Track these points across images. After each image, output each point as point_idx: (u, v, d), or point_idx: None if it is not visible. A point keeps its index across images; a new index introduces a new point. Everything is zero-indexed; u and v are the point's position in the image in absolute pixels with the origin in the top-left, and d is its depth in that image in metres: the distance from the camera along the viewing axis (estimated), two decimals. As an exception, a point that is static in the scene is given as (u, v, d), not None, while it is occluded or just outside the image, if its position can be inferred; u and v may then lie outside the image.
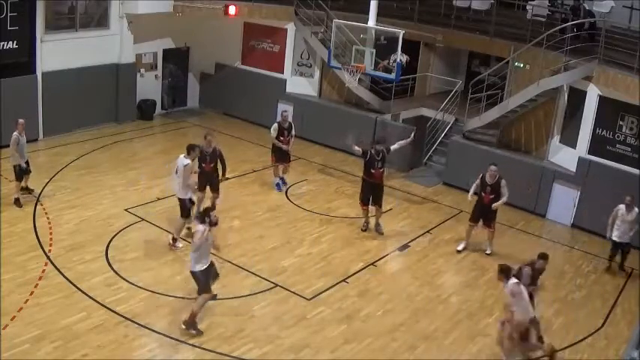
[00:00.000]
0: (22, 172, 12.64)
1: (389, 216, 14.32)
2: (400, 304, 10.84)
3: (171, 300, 10.19)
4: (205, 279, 9.28)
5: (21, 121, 12.51)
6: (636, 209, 12.32)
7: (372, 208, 13.31)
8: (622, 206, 12.31)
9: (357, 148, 13.05)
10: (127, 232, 12.24)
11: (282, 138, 14.61)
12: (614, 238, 12.54)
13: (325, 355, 9.30)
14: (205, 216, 9.09)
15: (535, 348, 9.43)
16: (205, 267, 9.23)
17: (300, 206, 14.36)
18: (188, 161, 11.33)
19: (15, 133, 12.38)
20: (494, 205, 12.56)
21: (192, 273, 9.29)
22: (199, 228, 8.98)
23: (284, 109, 15.82)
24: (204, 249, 9.12)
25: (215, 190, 12.82)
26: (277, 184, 15.06)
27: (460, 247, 13.01)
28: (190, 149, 11.41)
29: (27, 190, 13.12)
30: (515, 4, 18.64)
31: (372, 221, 13.40)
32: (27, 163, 12.78)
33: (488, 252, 12.98)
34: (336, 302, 10.68)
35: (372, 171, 12.97)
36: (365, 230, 13.34)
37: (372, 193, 13.12)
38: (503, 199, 12.57)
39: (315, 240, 12.85)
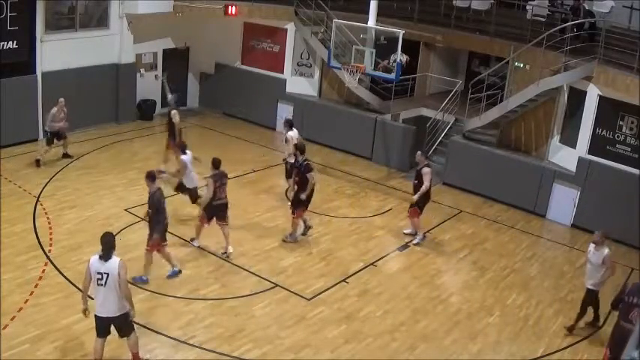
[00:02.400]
0: (53, 137, 14.92)
1: (389, 216, 14.34)
2: (400, 304, 10.84)
3: (171, 300, 10.20)
4: None
5: (61, 100, 14.85)
6: (606, 250, 10.09)
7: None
8: (592, 245, 10.23)
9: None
10: (127, 232, 12.24)
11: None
12: (588, 286, 10.31)
13: (325, 355, 9.30)
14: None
15: None
16: None
17: (300, 206, 14.34)
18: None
19: (54, 108, 14.76)
20: (414, 197, 12.77)
21: None
22: None
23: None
24: None
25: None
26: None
27: (406, 231, 13.31)
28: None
29: (67, 155, 15.53)
30: (515, 4, 18.63)
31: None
32: (59, 132, 14.97)
33: (406, 231, 13.24)
34: (336, 302, 10.68)
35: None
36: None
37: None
38: (422, 189, 12.56)
39: (315, 240, 12.84)
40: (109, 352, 8.76)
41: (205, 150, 17.16)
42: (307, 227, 12.88)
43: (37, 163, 14.82)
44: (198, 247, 11.95)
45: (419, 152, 12.96)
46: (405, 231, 13.41)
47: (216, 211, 11.57)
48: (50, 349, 8.68)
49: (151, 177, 10.33)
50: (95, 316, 8.05)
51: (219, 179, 11.51)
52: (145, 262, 10.50)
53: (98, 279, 7.77)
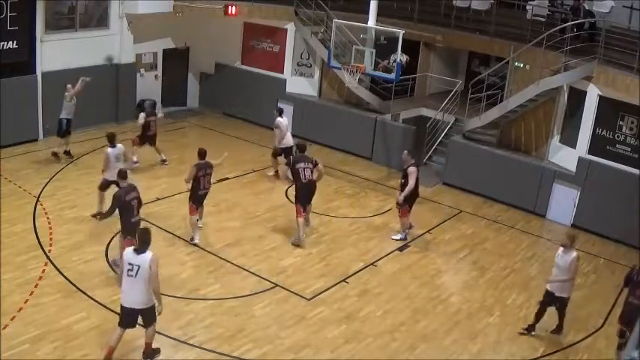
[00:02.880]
0: (66, 126, 15.01)
1: (389, 216, 14.32)
2: (400, 304, 10.84)
3: (171, 300, 10.19)
4: None
5: (68, 86, 15.02)
6: (574, 253, 9.69)
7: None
8: (560, 248, 9.90)
9: None
10: (127, 232, 12.22)
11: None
12: (547, 287, 10.02)
13: (325, 355, 9.30)
14: None
15: None
16: None
17: (300, 206, 14.34)
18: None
19: (66, 94, 14.92)
20: (399, 197, 12.69)
21: None
22: None
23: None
24: None
25: None
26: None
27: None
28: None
29: (68, 154, 15.46)
30: (515, 4, 18.63)
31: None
32: (68, 123, 15.03)
33: (394, 237, 13.09)
34: (336, 302, 10.68)
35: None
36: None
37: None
38: (407, 188, 12.50)
39: (315, 240, 12.84)
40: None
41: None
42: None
43: (56, 155, 15.16)
44: (196, 244, 11.96)
45: (405, 151, 12.99)
46: (393, 237, 13.18)
47: (201, 199, 12.04)
48: (50, 349, 8.67)
49: (120, 174, 10.57)
50: (120, 305, 8.29)
51: (203, 169, 11.80)
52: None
53: (129, 270, 8.04)
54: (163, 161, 15.80)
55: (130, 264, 8.02)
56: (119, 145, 12.41)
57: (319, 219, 13.78)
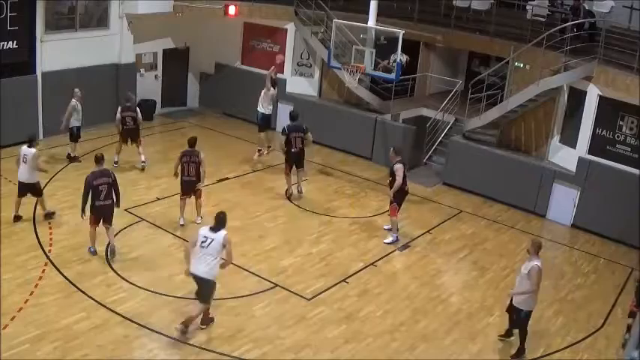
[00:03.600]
0: (77, 133, 15.23)
1: (389, 216, 14.32)
2: (400, 304, 10.84)
3: (171, 300, 10.20)
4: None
5: (76, 90, 15.03)
6: (535, 262, 9.17)
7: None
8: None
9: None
10: (127, 232, 12.24)
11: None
12: (510, 294, 9.71)
13: (325, 355, 9.30)
14: None
15: None
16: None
17: (300, 206, 14.35)
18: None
19: (73, 100, 14.87)
20: (389, 192, 12.95)
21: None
22: None
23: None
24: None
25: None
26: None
27: (386, 227, 13.47)
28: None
29: (75, 158, 15.44)
30: (515, 4, 18.63)
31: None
32: (79, 128, 15.20)
33: (385, 227, 13.44)
34: (336, 302, 10.68)
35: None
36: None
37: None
38: (394, 185, 12.67)
39: (315, 240, 12.85)
40: (108, 353, 8.77)
41: (205, 150, 17.19)
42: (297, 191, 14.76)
43: (73, 158, 15.35)
44: (182, 225, 12.60)
45: (391, 149, 13.06)
46: (385, 227, 13.49)
47: (187, 187, 12.61)
48: (50, 349, 8.67)
49: (95, 159, 11.27)
50: (190, 273, 9.23)
51: (187, 155, 12.43)
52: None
53: (202, 242, 9.08)
54: (142, 163, 15.37)
55: (204, 237, 9.10)
56: (33, 150, 12.15)
57: (319, 219, 13.79)
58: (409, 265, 12.33)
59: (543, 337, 10.29)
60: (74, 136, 15.26)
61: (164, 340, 9.21)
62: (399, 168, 12.63)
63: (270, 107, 16.35)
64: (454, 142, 16.42)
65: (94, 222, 11.03)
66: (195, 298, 9.51)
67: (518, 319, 9.53)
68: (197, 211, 12.80)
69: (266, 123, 16.44)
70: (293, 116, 14.73)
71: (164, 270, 11.06)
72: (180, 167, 12.45)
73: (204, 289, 9.26)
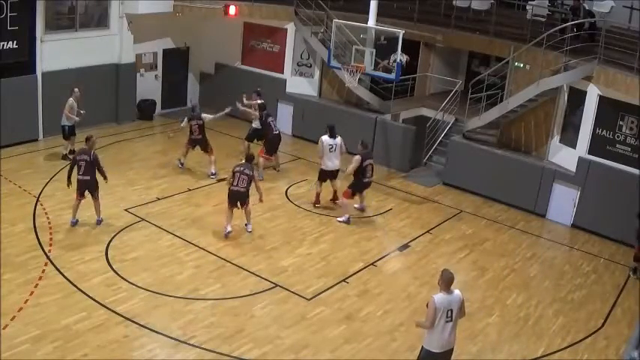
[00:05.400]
0: (70, 132, 15.15)
1: (389, 216, 14.34)
2: (400, 304, 10.84)
3: (171, 300, 10.20)
4: None
5: (76, 89, 15.06)
6: (432, 297, 7.90)
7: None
8: None
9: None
10: (127, 232, 12.24)
11: None
12: None
13: (325, 355, 9.30)
14: None
15: None
16: None
17: (300, 206, 14.36)
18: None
19: (71, 99, 14.88)
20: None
21: None
22: None
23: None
24: None
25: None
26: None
27: (356, 205, 14.14)
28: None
29: (74, 152, 14.70)
30: (515, 4, 18.63)
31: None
32: (72, 127, 15.16)
33: (355, 205, 14.19)
34: (336, 302, 10.68)
35: None
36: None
37: None
38: (347, 170, 13.58)
39: (315, 240, 12.85)
40: (108, 353, 8.77)
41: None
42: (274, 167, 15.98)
43: (68, 154, 15.13)
44: (229, 232, 12.44)
45: (360, 141, 13.77)
46: (355, 205, 14.19)
47: (232, 197, 12.46)
48: (50, 349, 8.67)
49: (86, 139, 12.28)
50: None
51: (241, 167, 12.45)
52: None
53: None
54: (212, 175, 15.33)
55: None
56: None
57: (319, 219, 13.79)
58: (409, 265, 12.33)
59: (543, 337, 10.29)
60: (66, 134, 15.22)
61: (164, 340, 9.21)
62: (355, 159, 13.38)
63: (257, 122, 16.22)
64: (454, 142, 16.42)
65: (78, 195, 12.09)
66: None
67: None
68: (247, 218, 12.77)
69: (256, 135, 16.41)
70: (262, 106, 15.78)
71: (164, 270, 11.06)
72: (231, 177, 12.36)
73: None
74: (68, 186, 12.04)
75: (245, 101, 16.55)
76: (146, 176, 15.10)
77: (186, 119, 15.29)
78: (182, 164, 15.64)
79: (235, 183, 12.24)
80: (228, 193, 12.35)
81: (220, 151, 16.27)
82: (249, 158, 12.84)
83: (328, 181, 14.35)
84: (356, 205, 14.27)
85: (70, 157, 14.61)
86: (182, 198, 14.11)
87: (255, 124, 16.21)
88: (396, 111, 17.85)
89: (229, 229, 12.40)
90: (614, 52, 14.24)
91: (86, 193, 12.12)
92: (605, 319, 10.99)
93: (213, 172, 15.32)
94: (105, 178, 12.34)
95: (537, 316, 10.87)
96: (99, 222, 12.37)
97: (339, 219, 13.74)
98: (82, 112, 15.10)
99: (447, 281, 7.84)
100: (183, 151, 15.57)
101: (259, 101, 16.17)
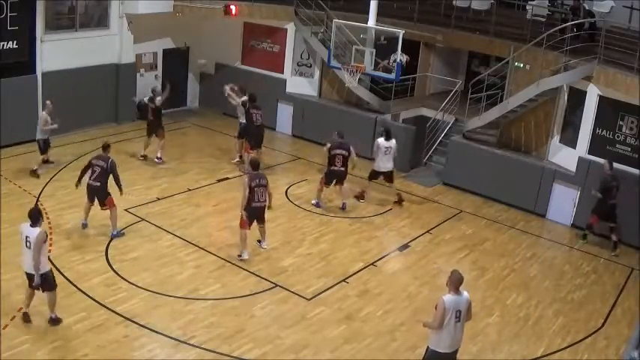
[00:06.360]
0: (45, 146, 14.40)
1: (389, 216, 14.35)
2: (400, 304, 10.84)
3: (171, 300, 10.20)
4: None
5: (48, 102, 14.40)
6: (441, 298, 8.08)
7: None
8: None
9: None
10: (127, 232, 12.23)
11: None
12: None
13: (325, 355, 9.30)
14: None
15: None
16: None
17: (300, 206, 14.36)
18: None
19: (44, 112, 14.25)
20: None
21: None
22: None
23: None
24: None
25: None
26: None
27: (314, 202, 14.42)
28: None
29: (48, 161, 14.79)
30: (515, 4, 18.63)
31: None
32: (46, 141, 14.43)
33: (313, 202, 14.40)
34: (336, 302, 10.68)
35: None
36: None
37: None
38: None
39: (315, 240, 12.85)
40: (108, 353, 8.77)
41: (205, 150, 17.26)
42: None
43: (34, 173, 14.27)
44: (246, 259, 11.73)
45: (335, 132, 14.26)
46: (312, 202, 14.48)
47: (258, 213, 11.82)
48: (50, 349, 8.67)
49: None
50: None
51: (257, 179, 11.50)
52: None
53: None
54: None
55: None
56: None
57: (319, 219, 13.79)
58: (409, 265, 12.32)
59: (543, 337, 10.29)
60: (42, 149, 14.36)
61: (164, 340, 9.21)
62: (325, 148, 14.09)
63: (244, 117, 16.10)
64: (454, 142, 16.42)
65: (88, 199, 11.94)
66: None
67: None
68: (264, 235, 12.15)
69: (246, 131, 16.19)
70: (252, 97, 15.53)
71: (164, 270, 11.06)
72: (248, 191, 11.28)
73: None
74: (76, 186, 11.93)
75: (229, 92, 16.26)
76: (146, 176, 15.10)
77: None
78: (144, 157, 15.72)
79: (257, 199, 11.36)
80: (250, 211, 11.39)
81: (225, 156, 16.30)
82: (257, 165, 11.78)
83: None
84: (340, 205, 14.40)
85: (39, 173, 14.26)
86: (182, 198, 14.11)
87: (242, 120, 16.12)
88: (396, 111, 17.86)
89: (247, 256, 11.63)
90: (614, 52, 14.24)
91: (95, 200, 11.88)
92: (605, 319, 10.99)
93: (159, 156, 15.84)
94: (120, 189, 11.87)
95: (537, 316, 10.87)
96: (113, 235, 11.86)
97: (313, 201, 14.38)
98: (54, 126, 14.24)
99: (456, 282, 7.92)
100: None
101: (244, 98, 15.75)
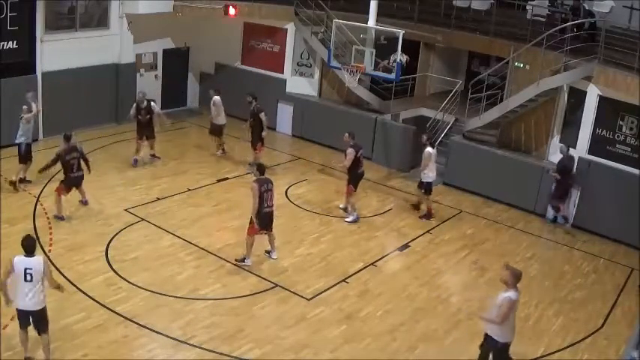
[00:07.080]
0: (25, 152, 13.63)
1: (389, 216, 14.34)
2: (400, 304, 10.84)
3: (171, 300, 10.20)
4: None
5: (25, 107, 13.69)
6: (506, 294, 8.43)
7: None
8: None
9: None
10: (127, 232, 12.24)
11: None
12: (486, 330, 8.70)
13: (325, 355, 9.30)
14: None
15: None
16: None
17: (300, 206, 14.36)
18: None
19: (29, 114, 13.64)
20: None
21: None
22: None
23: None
24: None
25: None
26: None
27: (341, 206, 14.19)
28: None
29: (25, 180, 13.85)
30: (515, 4, 18.62)
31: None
32: (28, 145, 13.69)
33: (340, 206, 14.21)
34: (336, 302, 10.68)
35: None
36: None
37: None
38: (342, 167, 13.82)
39: (315, 240, 12.85)
40: (108, 353, 8.77)
41: (205, 150, 17.26)
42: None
43: (14, 185, 13.41)
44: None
45: (346, 134, 13.74)
46: (340, 206, 14.20)
47: (269, 220, 11.50)
48: (50, 349, 8.66)
49: (64, 136, 12.49)
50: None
51: (266, 184, 11.13)
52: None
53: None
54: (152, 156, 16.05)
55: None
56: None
57: (319, 219, 13.79)
58: (409, 265, 12.32)
59: (543, 337, 10.28)
60: (22, 154, 13.57)
61: (164, 340, 9.21)
62: (349, 152, 13.41)
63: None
64: (454, 142, 16.42)
65: (66, 191, 12.48)
66: None
67: (492, 349, 8.51)
68: (272, 245, 11.84)
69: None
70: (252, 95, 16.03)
71: (164, 270, 11.06)
72: (258, 196, 10.92)
73: None
74: (40, 172, 12.60)
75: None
76: (146, 176, 15.11)
77: (134, 109, 15.38)
78: (136, 161, 15.63)
79: (266, 204, 11.06)
80: (261, 217, 11.06)
81: (234, 158, 16.37)
82: (264, 169, 11.37)
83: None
84: (341, 206, 14.25)
85: (22, 185, 13.54)
86: (182, 198, 14.12)
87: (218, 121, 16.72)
88: (396, 111, 17.86)
89: (250, 263, 11.44)
90: (614, 52, 14.23)
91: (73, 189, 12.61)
92: (605, 319, 10.99)
93: (152, 153, 16.12)
94: (89, 169, 12.72)
95: (537, 316, 10.87)
96: (85, 202, 13.05)
97: (347, 220, 13.69)
98: (33, 111, 13.67)
99: (518, 277, 8.46)
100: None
101: (217, 98, 16.68)
